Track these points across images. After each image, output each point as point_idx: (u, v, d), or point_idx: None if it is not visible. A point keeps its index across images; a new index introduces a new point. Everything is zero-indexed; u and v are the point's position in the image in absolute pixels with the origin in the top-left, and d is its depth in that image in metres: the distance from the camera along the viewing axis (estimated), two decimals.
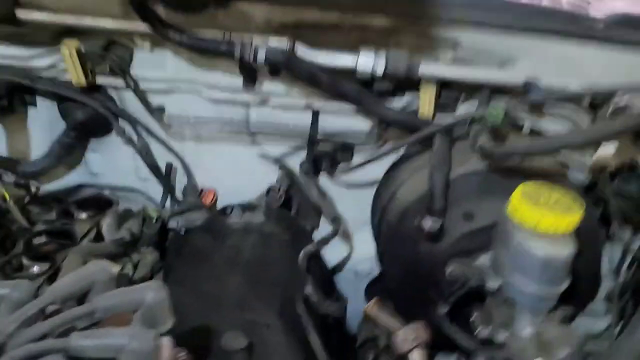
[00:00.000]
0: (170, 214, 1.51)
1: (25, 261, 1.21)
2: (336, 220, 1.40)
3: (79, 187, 1.78)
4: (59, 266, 1.20)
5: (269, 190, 1.53)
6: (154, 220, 1.43)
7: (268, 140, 1.64)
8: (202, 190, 1.47)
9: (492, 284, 1.17)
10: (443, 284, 1.34)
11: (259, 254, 1.36)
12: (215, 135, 1.63)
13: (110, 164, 1.73)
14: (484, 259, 1.30)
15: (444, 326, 1.27)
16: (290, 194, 1.59)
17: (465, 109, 1.47)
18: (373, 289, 1.86)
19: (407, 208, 1.33)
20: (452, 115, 1.43)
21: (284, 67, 1.37)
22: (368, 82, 1.44)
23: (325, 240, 1.37)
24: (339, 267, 1.72)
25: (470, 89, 1.47)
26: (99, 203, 1.49)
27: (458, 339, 1.26)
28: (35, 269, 1.19)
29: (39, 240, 1.30)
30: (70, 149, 1.61)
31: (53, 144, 1.59)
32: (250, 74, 1.50)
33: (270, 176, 1.68)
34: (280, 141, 1.64)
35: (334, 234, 1.37)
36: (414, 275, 1.38)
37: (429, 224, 1.27)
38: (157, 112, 1.55)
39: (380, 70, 1.36)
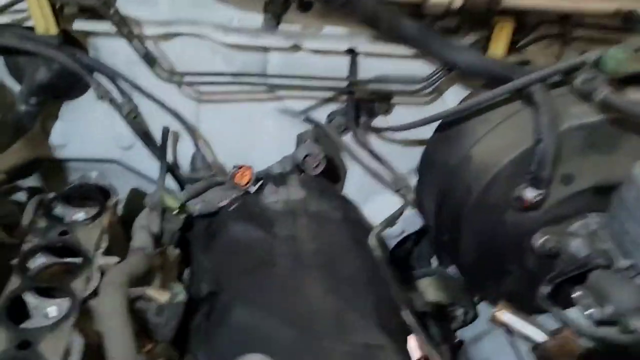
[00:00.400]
0: (187, 196, 1.18)
1: (31, 299, 0.86)
2: (405, 190, 1.15)
3: (35, 163, 1.37)
4: (84, 300, 0.86)
5: (305, 157, 1.23)
6: (176, 212, 1.11)
7: (289, 94, 1.32)
8: (236, 169, 1.15)
9: (623, 262, 1.01)
10: (529, 255, 1.18)
11: (321, 244, 1.09)
12: (223, 90, 1.29)
13: (78, 132, 1.34)
14: (578, 227, 1.14)
15: (546, 307, 1.12)
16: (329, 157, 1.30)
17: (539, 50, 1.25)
18: (399, 251, 1.67)
19: (497, 174, 1.11)
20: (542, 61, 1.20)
21: (340, 4, 1.04)
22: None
23: (392, 219, 1.13)
24: None
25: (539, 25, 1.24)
26: (89, 193, 1.11)
27: (567, 321, 1.10)
28: (53, 310, 0.84)
29: (33, 261, 0.94)
30: (30, 120, 1.20)
31: (5, 114, 1.17)
32: (277, 10, 1.15)
33: (288, 135, 1.37)
34: (303, 95, 1.32)
35: (402, 209, 1.13)
36: (493, 246, 1.19)
37: (532, 195, 1.07)
38: (151, 62, 1.16)
39: (458, 2, 1.08)
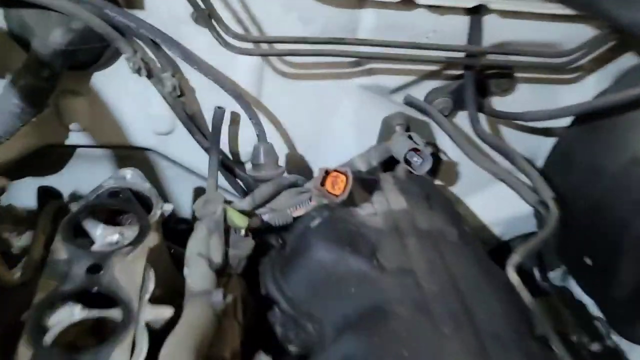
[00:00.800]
0: (253, 204, 0.88)
1: None
2: (551, 203, 0.84)
3: (45, 151, 1.06)
4: None
5: (410, 151, 0.92)
6: (243, 232, 0.80)
7: (383, 66, 1.00)
8: (326, 173, 0.83)
9: None
10: None
11: (445, 282, 0.79)
12: (298, 60, 0.96)
13: (103, 112, 1.02)
14: None
15: None
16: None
17: None
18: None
19: None
20: None
21: None
22: None
23: (534, 246, 0.82)
24: None
25: None
26: (124, 204, 0.80)
27: None
28: None
29: (51, 316, 0.64)
30: (40, 98, 0.88)
31: (5, 91, 0.85)
32: None
33: (369, 119, 1.06)
34: (399, 68, 1.00)
35: (548, 233, 0.82)
36: None
37: None
38: (211, 21, 0.84)
39: None
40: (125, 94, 0.98)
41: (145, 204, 0.83)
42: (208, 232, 0.79)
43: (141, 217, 0.78)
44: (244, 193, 1.07)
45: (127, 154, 1.09)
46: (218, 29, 0.83)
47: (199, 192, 1.10)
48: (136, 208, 0.79)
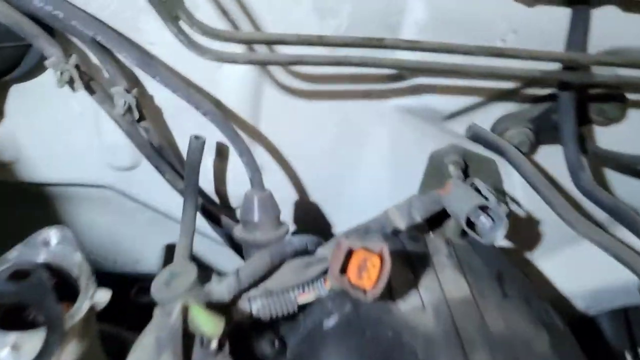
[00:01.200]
0: (239, 288, 0.58)
1: None
2: None
3: None
4: None
5: (480, 209, 0.61)
6: (215, 344, 0.50)
7: (435, 82, 0.70)
8: (349, 252, 0.51)
9: None
10: None
11: None
12: (310, 70, 0.67)
13: (34, 138, 0.73)
14: None
15: None
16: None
17: None
18: None
19: None
20: None
21: None
22: None
23: None
24: None
25: None
26: (32, 293, 0.51)
27: None
28: None
29: None
30: None
31: None
32: None
33: (409, 154, 0.76)
34: (454, 84, 0.70)
35: None
36: None
37: None
38: (172, 10, 0.54)
39: None
40: (65, 114, 0.70)
41: (70, 286, 0.54)
42: (157, 345, 0.50)
43: (52, 318, 0.49)
44: (235, 248, 0.78)
45: (77, 193, 0.80)
46: (180, 21, 0.53)
47: (171, 253, 0.81)
48: (46, 302, 0.50)
